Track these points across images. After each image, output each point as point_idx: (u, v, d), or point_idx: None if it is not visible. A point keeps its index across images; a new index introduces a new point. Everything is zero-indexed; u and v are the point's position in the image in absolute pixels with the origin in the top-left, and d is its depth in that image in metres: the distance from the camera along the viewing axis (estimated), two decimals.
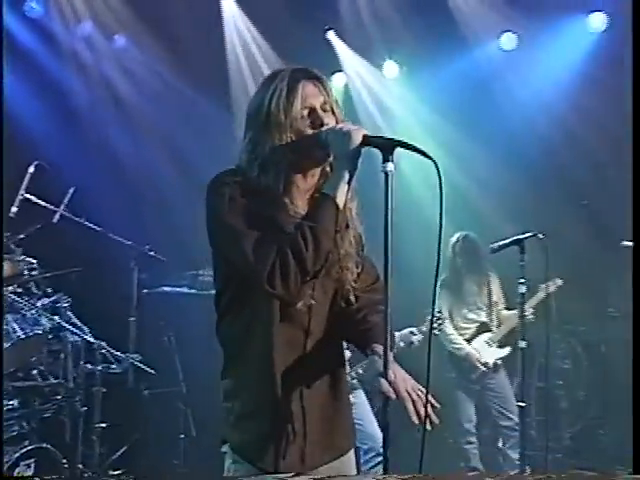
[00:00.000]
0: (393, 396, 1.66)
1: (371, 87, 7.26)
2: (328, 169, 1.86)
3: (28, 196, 3.46)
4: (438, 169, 1.65)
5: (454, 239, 4.72)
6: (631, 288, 5.17)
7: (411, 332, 3.77)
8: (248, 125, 1.86)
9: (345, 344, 2.01)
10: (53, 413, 3.60)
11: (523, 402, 3.23)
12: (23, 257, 3.61)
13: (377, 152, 1.73)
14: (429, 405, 1.72)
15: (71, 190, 3.90)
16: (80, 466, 3.54)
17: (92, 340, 3.55)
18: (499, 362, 4.66)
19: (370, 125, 6.86)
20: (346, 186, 1.73)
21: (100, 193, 4.55)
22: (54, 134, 4.71)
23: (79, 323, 3.63)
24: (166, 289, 5.05)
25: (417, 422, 1.70)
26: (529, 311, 4.57)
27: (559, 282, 4.53)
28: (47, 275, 3.63)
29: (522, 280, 3.21)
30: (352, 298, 1.90)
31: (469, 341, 4.62)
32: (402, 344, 3.71)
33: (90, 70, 5.27)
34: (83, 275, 3.74)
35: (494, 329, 4.71)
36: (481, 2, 6.41)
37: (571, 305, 5.37)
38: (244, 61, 6.50)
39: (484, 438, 5.11)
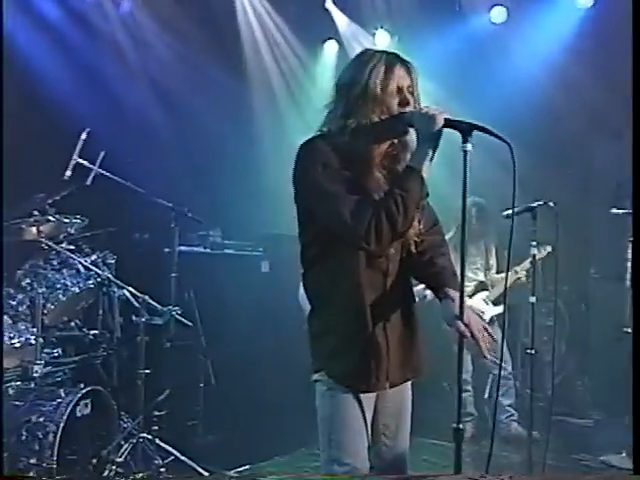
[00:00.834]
0: (468, 335, 2.02)
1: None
2: (396, 141, 2.16)
3: (81, 161, 3.71)
4: (512, 153, 1.95)
5: (467, 205, 5.10)
6: (613, 252, 5.66)
7: (424, 288, 4.16)
8: (340, 95, 2.12)
9: None
10: (103, 360, 3.93)
11: (533, 349, 3.63)
12: (58, 217, 3.89)
13: None
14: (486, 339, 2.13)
15: (102, 153, 4.11)
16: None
17: (137, 294, 3.85)
18: (494, 318, 5.11)
19: None
20: (429, 162, 2.04)
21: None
22: (84, 101, 4.90)
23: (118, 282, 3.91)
24: (183, 248, 5.34)
25: (488, 357, 2.16)
26: (522, 273, 5.04)
27: (549, 249, 4.91)
28: (93, 234, 3.91)
29: (534, 243, 3.61)
30: (417, 240, 2.24)
31: (469, 297, 5.06)
32: (417, 299, 4.09)
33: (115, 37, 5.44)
34: (125, 234, 4.02)
35: (490, 289, 5.15)
36: None
37: (556, 267, 5.83)
38: (257, 27, 6.76)
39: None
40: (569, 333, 6.17)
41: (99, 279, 3.74)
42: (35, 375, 3.44)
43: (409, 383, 2.36)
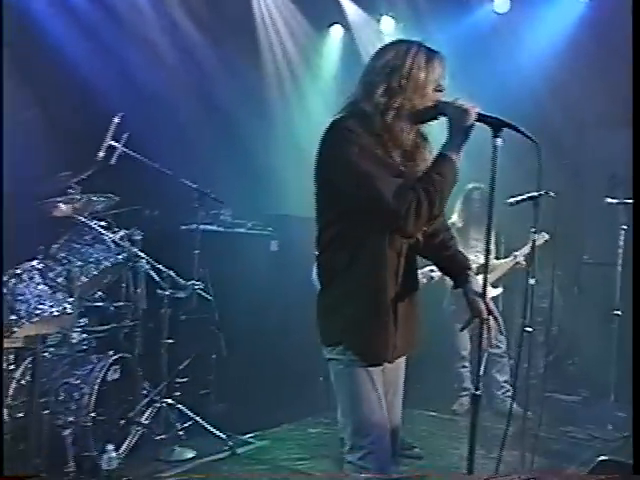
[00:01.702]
0: (485, 315, 2.25)
1: (368, 40, 7.70)
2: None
3: (114, 143, 3.95)
4: (539, 151, 2.13)
5: (467, 190, 5.40)
6: (605, 239, 5.92)
7: (431, 270, 4.45)
8: (379, 78, 2.18)
9: None
10: (129, 329, 4.21)
11: (530, 327, 3.90)
12: (90, 195, 4.13)
13: None
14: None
15: (126, 134, 4.31)
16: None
17: (162, 269, 4.11)
18: (492, 299, 5.40)
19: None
20: (461, 152, 2.17)
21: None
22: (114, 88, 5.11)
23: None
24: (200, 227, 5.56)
25: (487, 346, 2.26)
26: (520, 258, 5.33)
27: (546, 236, 5.16)
28: (120, 211, 4.16)
29: (534, 229, 3.89)
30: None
31: None
32: (424, 280, 4.38)
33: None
34: (149, 212, 4.26)
35: (489, 272, 5.43)
36: None
37: (552, 253, 6.11)
38: (269, 10, 6.98)
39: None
40: (561, 315, 6.46)
41: (127, 254, 3.99)
42: (73, 342, 3.72)
43: (404, 357, 2.50)
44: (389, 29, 7.42)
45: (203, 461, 4.10)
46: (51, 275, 3.56)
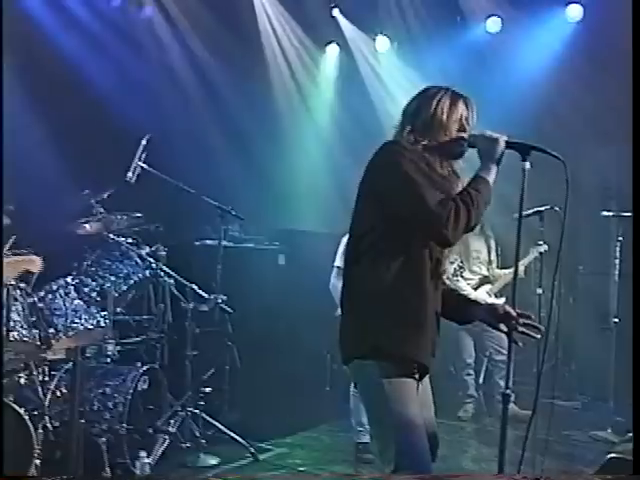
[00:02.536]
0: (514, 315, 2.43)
1: (364, 58, 7.98)
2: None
3: (143, 165, 4.14)
4: (566, 169, 2.34)
5: None
6: (599, 250, 6.16)
7: None
8: (409, 118, 2.46)
9: None
10: (155, 341, 4.38)
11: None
12: (106, 215, 4.32)
13: None
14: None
15: (144, 141, 4.44)
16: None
17: (185, 283, 4.29)
18: None
19: (360, 90, 7.68)
20: (495, 176, 2.40)
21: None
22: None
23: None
24: (208, 242, 5.76)
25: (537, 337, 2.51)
26: (521, 269, 5.55)
27: (545, 247, 5.41)
28: (143, 228, 4.34)
29: (541, 242, 4.13)
30: None
31: (474, 290, 5.57)
32: None
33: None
34: (173, 228, 4.45)
35: (493, 282, 5.67)
36: None
37: (549, 264, 6.35)
38: (272, 31, 7.25)
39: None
40: (558, 324, 6.69)
41: (153, 269, 4.17)
42: (108, 353, 3.89)
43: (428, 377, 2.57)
44: (384, 48, 7.71)
45: (227, 467, 4.26)
46: (85, 290, 3.74)
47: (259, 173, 6.83)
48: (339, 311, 3.70)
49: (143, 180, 4.46)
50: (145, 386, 4.03)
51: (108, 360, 4.00)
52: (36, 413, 3.42)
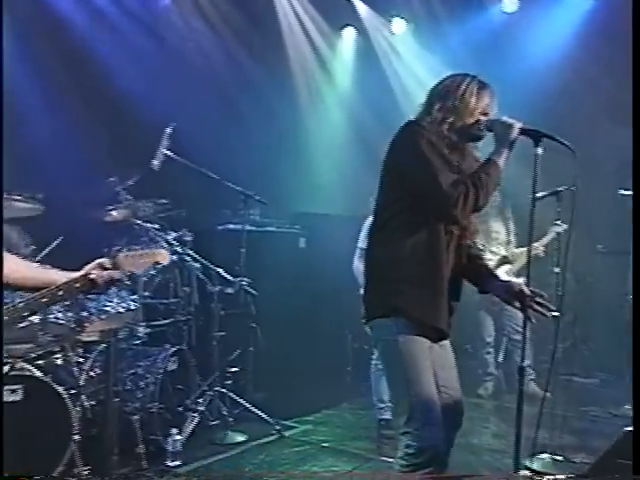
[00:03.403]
0: (528, 293, 2.61)
1: (380, 40, 8.01)
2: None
3: (167, 152, 4.26)
4: (575, 158, 2.50)
5: None
6: (617, 229, 6.19)
7: None
8: (437, 97, 2.62)
9: None
10: (182, 323, 4.53)
11: (558, 312, 4.20)
12: (132, 203, 4.46)
13: None
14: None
15: (168, 130, 4.55)
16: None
17: (211, 267, 4.42)
18: None
19: (377, 73, 7.73)
20: (505, 160, 2.56)
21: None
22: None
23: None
24: (231, 226, 5.89)
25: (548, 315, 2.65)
26: (541, 248, 5.62)
27: (564, 226, 5.46)
28: (169, 214, 4.47)
29: (558, 222, 4.19)
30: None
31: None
32: None
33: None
34: (196, 213, 4.57)
35: (512, 262, 5.74)
36: None
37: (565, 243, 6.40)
38: (292, 18, 7.32)
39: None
40: (577, 303, 6.76)
41: (179, 254, 4.30)
42: (139, 335, 4.04)
43: (449, 342, 2.76)
44: (400, 30, 7.74)
45: (254, 444, 4.41)
46: None
47: (279, 157, 6.93)
48: (362, 291, 3.88)
49: (167, 167, 4.57)
50: (174, 366, 4.18)
51: (138, 342, 4.16)
52: (73, 392, 3.56)
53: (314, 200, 6.89)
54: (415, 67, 7.67)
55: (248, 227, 6.00)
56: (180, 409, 4.24)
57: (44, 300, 2.47)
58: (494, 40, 6.94)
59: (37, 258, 3.82)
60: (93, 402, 3.76)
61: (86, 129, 5.30)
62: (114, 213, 4.42)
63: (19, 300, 2.48)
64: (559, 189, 3.94)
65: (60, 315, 3.58)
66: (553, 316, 4.30)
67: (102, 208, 4.45)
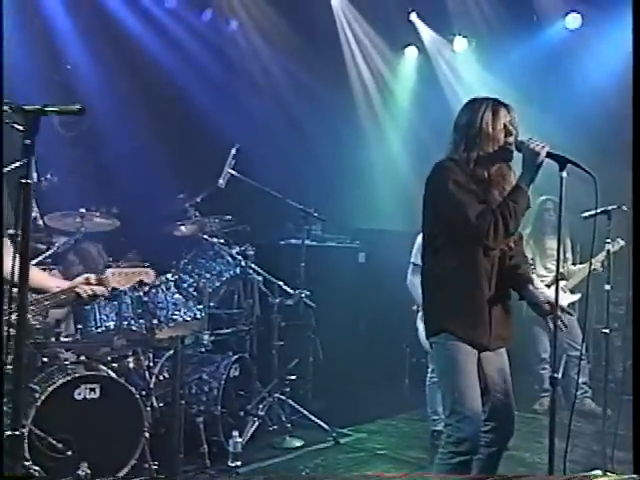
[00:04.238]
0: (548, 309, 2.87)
1: (441, 60, 8.15)
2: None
3: (232, 171, 4.56)
4: (596, 184, 2.66)
5: (540, 201, 5.74)
6: None
7: None
8: (460, 135, 2.83)
9: None
10: (245, 333, 4.80)
11: (608, 328, 4.27)
12: (200, 219, 4.77)
13: None
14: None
15: (233, 151, 4.84)
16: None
17: (272, 279, 4.69)
18: (570, 305, 5.74)
19: (438, 91, 7.86)
20: (531, 184, 2.77)
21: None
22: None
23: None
24: (292, 241, 6.14)
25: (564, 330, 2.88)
26: (597, 265, 5.63)
27: (622, 242, 5.43)
28: (233, 230, 4.76)
29: (609, 240, 4.27)
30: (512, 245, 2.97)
31: (548, 287, 5.70)
32: None
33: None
34: (259, 229, 4.85)
35: (567, 279, 5.78)
36: None
37: (625, 260, 6.34)
38: (352, 38, 7.57)
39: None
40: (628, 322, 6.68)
41: (242, 267, 4.58)
42: (204, 342, 4.33)
43: (505, 351, 3.01)
44: (462, 49, 7.86)
45: (310, 449, 4.62)
46: (184, 285, 4.18)
47: (340, 175, 7.16)
48: (416, 306, 4.18)
49: (232, 185, 4.88)
50: (236, 373, 4.45)
51: (203, 349, 4.44)
52: (144, 393, 3.86)
53: (374, 216, 7.09)
54: (475, 86, 7.76)
55: (309, 242, 6.36)
56: (241, 413, 4.48)
57: (47, 303, 2.75)
58: (555, 58, 7.02)
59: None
60: (161, 404, 4.05)
61: (157, 148, 5.67)
62: (183, 228, 4.74)
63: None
64: (609, 208, 4.01)
65: (133, 322, 3.89)
66: (604, 333, 4.43)
67: (172, 223, 4.76)
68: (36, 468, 3.20)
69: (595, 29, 6.99)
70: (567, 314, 2.96)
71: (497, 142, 2.80)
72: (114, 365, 3.82)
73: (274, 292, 4.76)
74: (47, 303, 2.78)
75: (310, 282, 6.02)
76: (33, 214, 3.73)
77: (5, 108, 1.78)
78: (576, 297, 5.77)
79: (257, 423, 4.56)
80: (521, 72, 6.99)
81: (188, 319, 4.09)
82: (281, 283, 4.72)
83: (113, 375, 3.65)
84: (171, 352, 4.21)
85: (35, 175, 3.75)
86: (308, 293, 4.82)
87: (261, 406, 4.70)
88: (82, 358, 3.73)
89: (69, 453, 3.31)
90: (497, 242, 2.76)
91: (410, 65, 8.25)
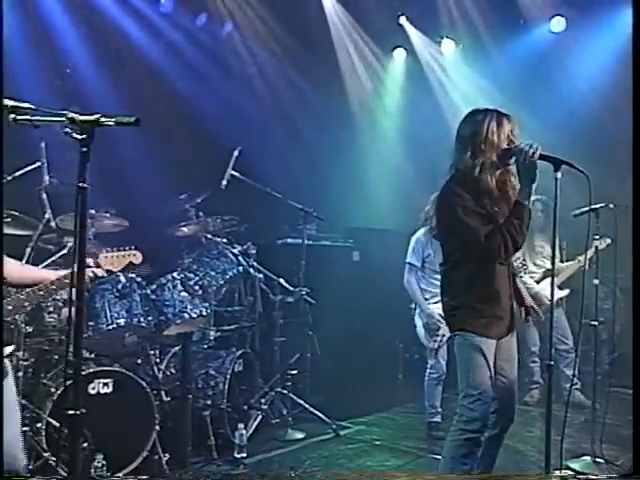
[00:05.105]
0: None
1: (430, 61, 8.33)
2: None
3: (235, 173, 4.71)
4: (590, 183, 2.88)
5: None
6: None
7: None
8: (465, 144, 3.07)
9: None
10: (247, 329, 4.95)
11: (597, 321, 4.47)
12: (202, 220, 4.91)
13: None
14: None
15: (236, 153, 4.98)
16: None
17: (274, 277, 4.84)
18: (559, 300, 5.94)
19: (427, 93, 8.04)
20: (531, 198, 3.02)
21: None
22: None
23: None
24: (289, 240, 6.28)
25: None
26: (585, 261, 5.82)
27: (608, 241, 5.61)
28: (233, 229, 4.91)
29: (597, 237, 4.46)
30: None
31: (537, 282, 5.90)
32: None
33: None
34: (259, 228, 5.01)
35: (557, 275, 5.97)
36: None
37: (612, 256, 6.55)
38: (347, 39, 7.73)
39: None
40: (625, 315, 6.89)
41: (245, 266, 4.73)
42: (210, 339, 4.48)
43: (515, 339, 3.29)
44: (450, 51, 8.04)
45: (312, 441, 4.79)
46: (190, 284, 4.30)
47: (335, 175, 7.31)
48: (413, 305, 4.40)
49: (232, 186, 5.02)
50: (240, 368, 4.60)
51: (207, 345, 4.59)
52: (154, 388, 4.00)
53: (367, 216, 7.25)
54: (463, 87, 7.96)
55: (306, 241, 6.54)
56: (245, 407, 4.64)
57: (41, 293, 2.90)
58: (540, 61, 7.18)
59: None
60: (170, 398, 4.19)
61: (161, 151, 5.81)
62: (185, 229, 4.88)
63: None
64: (596, 206, 4.21)
65: (142, 319, 4.03)
66: (592, 325, 4.62)
67: (175, 224, 4.90)
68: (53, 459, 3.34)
69: (579, 32, 7.18)
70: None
71: (499, 150, 3.05)
72: (125, 361, 3.95)
73: (275, 290, 4.91)
74: (53, 287, 2.92)
75: (306, 280, 6.19)
76: (46, 216, 3.86)
77: (63, 119, 1.92)
78: (564, 293, 5.96)
79: (260, 416, 4.72)
80: (508, 74, 7.16)
81: (194, 316, 4.22)
82: (282, 281, 4.87)
83: (125, 371, 3.79)
84: (178, 348, 4.37)
85: (47, 178, 3.94)
86: (309, 290, 4.96)
87: (264, 400, 4.85)
88: (94, 355, 3.87)
89: (85, 445, 3.45)
90: (508, 257, 3.10)
91: (399, 67, 8.42)
